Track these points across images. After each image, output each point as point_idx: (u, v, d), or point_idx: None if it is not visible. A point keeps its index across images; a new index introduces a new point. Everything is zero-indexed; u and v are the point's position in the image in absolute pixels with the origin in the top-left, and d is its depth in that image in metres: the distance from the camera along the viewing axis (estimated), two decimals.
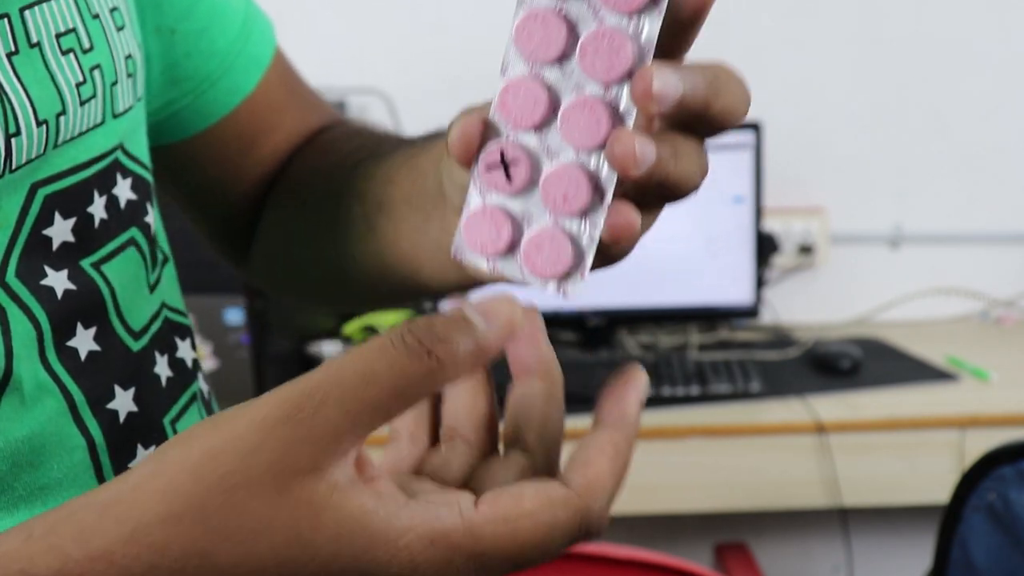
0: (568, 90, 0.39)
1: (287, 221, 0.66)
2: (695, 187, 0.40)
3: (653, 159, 0.37)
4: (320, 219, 0.63)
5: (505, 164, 0.39)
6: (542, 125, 0.39)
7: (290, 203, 0.66)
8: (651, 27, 0.37)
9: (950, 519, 1.16)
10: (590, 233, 0.39)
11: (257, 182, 0.67)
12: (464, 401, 0.40)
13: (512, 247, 0.40)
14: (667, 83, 0.36)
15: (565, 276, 0.39)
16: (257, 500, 0.32)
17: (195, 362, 0.57)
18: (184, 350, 0.56)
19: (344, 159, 0.63)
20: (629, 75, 0.38)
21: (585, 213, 0.39)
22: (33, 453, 0.45)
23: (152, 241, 0.54)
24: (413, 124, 1.94)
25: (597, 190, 0.39)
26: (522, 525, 0.34)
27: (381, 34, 1.97)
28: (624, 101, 0.38)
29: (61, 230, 0.47)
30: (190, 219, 0.70)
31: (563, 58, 0.38)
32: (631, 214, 0.39)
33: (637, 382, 0.38)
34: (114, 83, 0.50)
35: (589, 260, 0.39)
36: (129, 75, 0.52)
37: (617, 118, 0.38)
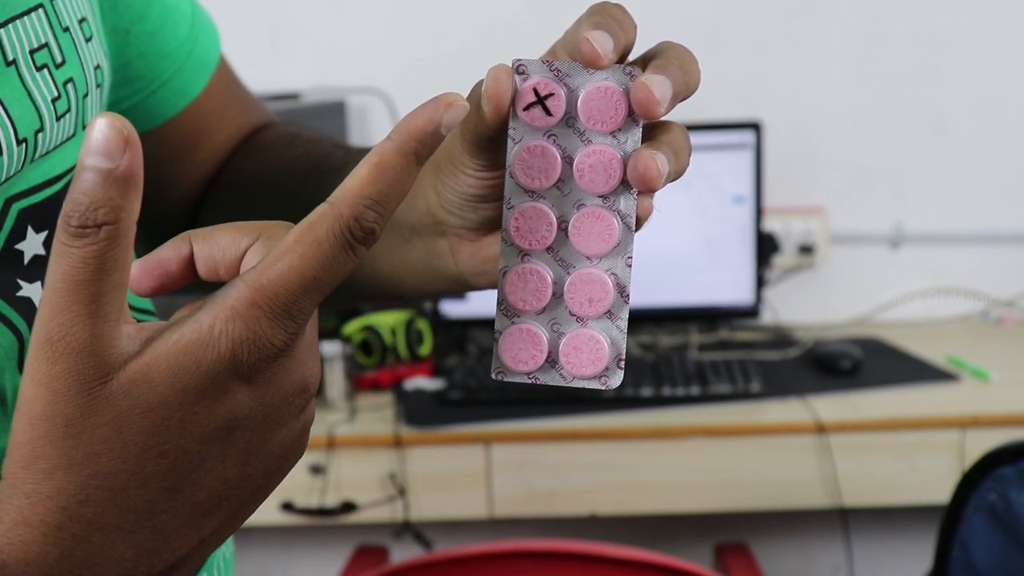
0: (571, 207, 0.42)
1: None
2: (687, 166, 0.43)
3: (667, 169, 0.41)
4: None
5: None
6: (554, 242, 0.43)
7: (232, 205, 0.66)
8: (633, 140, 0.41)
9: (950, 519, 1.16)
10: (618, 326, 0.43)
11: (196, 184, 0.67)
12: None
13: (549, 357, 0.43)
14: (663, 89, 0.40)
15: (606, 370, 0.43)
16: (89, 407, 0.33)
17: None
18: None
19: (288, 167, 0.64)
20: (622, 183, 0.42)
21: (611, 312, 0.42)
22: None
23: None
24: None
25: (618, 287, 0.42)
26: (296, 254, 0.34)
27: (381, 34, 1.97)
28: (622, 204, 0.42)
29: (33, 244, 0.47)
30: None
31: (560, 181, 0.42)
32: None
33: (444, 105, 0.36)
34: (85, 95, 0.51)
35: (623, 349, 0.43)
36: (98, 85, 0.53)
37: (622, 221, 0.42)
